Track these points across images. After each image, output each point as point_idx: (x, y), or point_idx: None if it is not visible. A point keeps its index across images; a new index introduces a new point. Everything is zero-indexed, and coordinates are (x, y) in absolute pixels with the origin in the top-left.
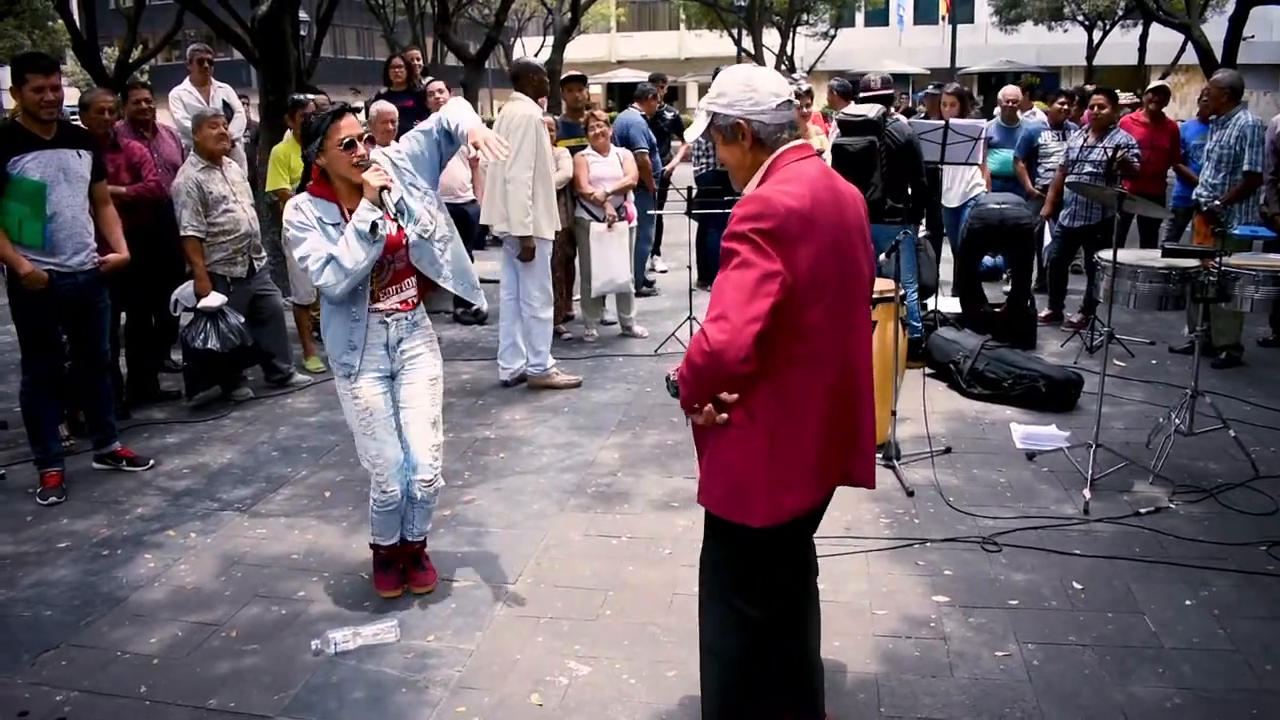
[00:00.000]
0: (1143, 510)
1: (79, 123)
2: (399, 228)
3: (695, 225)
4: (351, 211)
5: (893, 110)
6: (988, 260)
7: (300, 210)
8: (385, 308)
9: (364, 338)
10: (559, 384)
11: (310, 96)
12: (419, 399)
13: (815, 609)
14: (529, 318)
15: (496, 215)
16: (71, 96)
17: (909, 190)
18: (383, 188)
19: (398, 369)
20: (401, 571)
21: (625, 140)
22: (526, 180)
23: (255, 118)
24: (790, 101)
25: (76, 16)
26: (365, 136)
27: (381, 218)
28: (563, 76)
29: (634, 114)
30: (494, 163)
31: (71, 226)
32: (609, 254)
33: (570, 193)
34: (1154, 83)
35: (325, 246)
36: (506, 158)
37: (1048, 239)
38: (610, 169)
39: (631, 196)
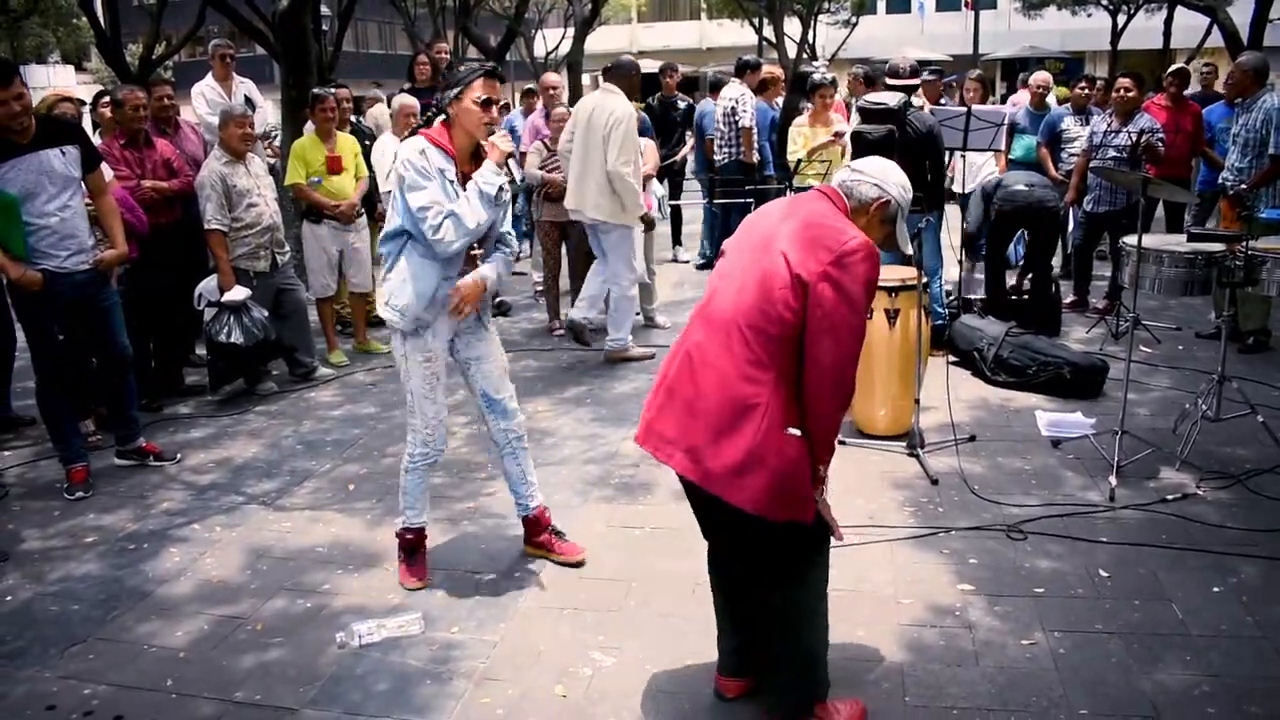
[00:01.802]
0: (1169, 497)
1: (90, 118)
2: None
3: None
4: (465, 175)
5: (915, 97)
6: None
7: (425, 155)
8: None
9: (445, 296)
10: (635, 356)
11: (331, 90)
12: (497, 351)
13: None
14: (617, 296)
15: (589, 204)
16: (86, 93)
17: (928, 178)
18: (509, 154)
19: (462, 329)
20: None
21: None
22: (629, 173)
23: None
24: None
25: (100, 13)
26: (502, 104)
27: (504, 184)
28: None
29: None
30: (583, 154)
31: (62, 229)
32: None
33: None
34: (1174, 65)
35: (446, 201)
36: None
37: (1071, 225)
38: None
39: (654, 188)
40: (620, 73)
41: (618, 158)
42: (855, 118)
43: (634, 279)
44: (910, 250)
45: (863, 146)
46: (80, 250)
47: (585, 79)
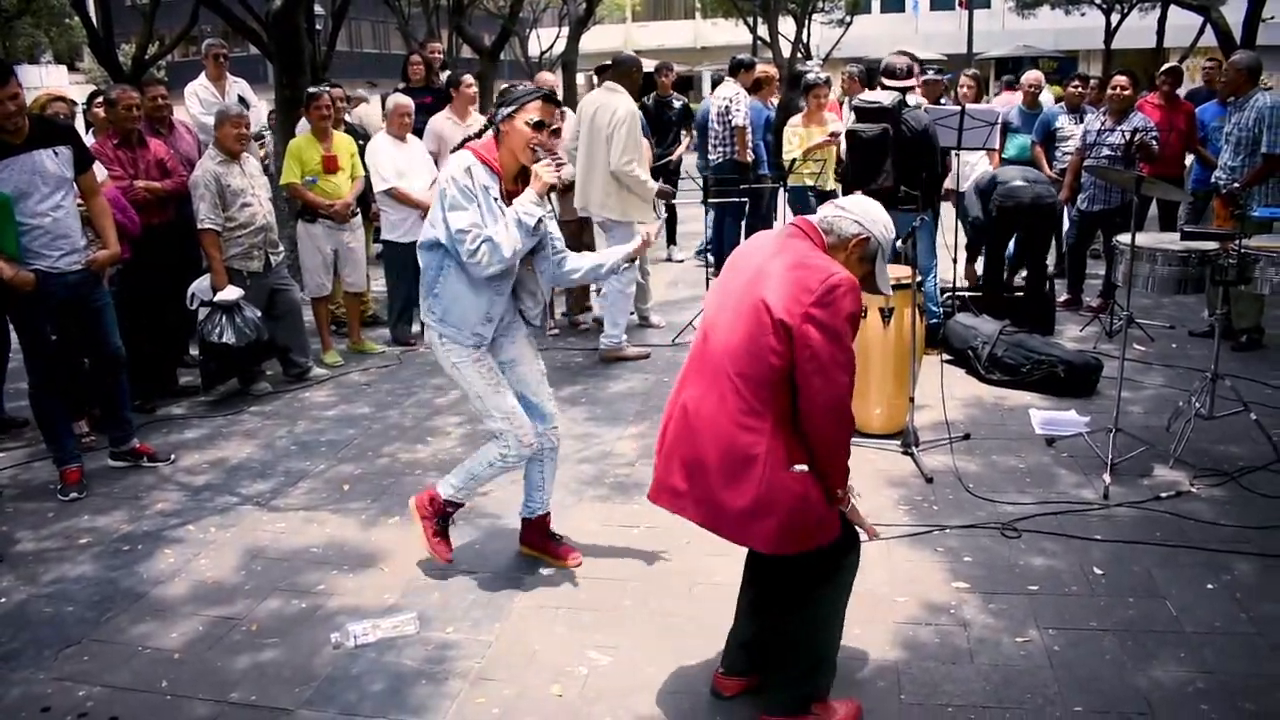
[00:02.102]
0: (1163, 494)
1: (84, 118)
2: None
3: (712, 214)
4: (510, 193)
5: (911, 96)
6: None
7: (470, 175)
8: None
9: (500, 311)
10: (629, 355)
11: (326, 89)
12: (529, 354)
13: None
14: (615, 290)
15: (595, 202)
16: (79, 93)
17: (923, 176)
18: (551, 186)
19: (497, 335)
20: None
21: None
22: (634, 169)
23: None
24: None
25: (93, 13)
26: (554, 129)
27: (548, 213)
28: (597, 66)
29: None
30: (588, 153)
31: (55, 229)
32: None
33: None
34: (1167, 64)
35: (486, 224)
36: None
37: (1066, 223)
38: None
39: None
40: (622, 70)
41: (620, 157)
42: (850, 116)
43: (631, 277)
44: (889, 292)
45: (857, 145)
46: (73, 251)
47: (580, 78)
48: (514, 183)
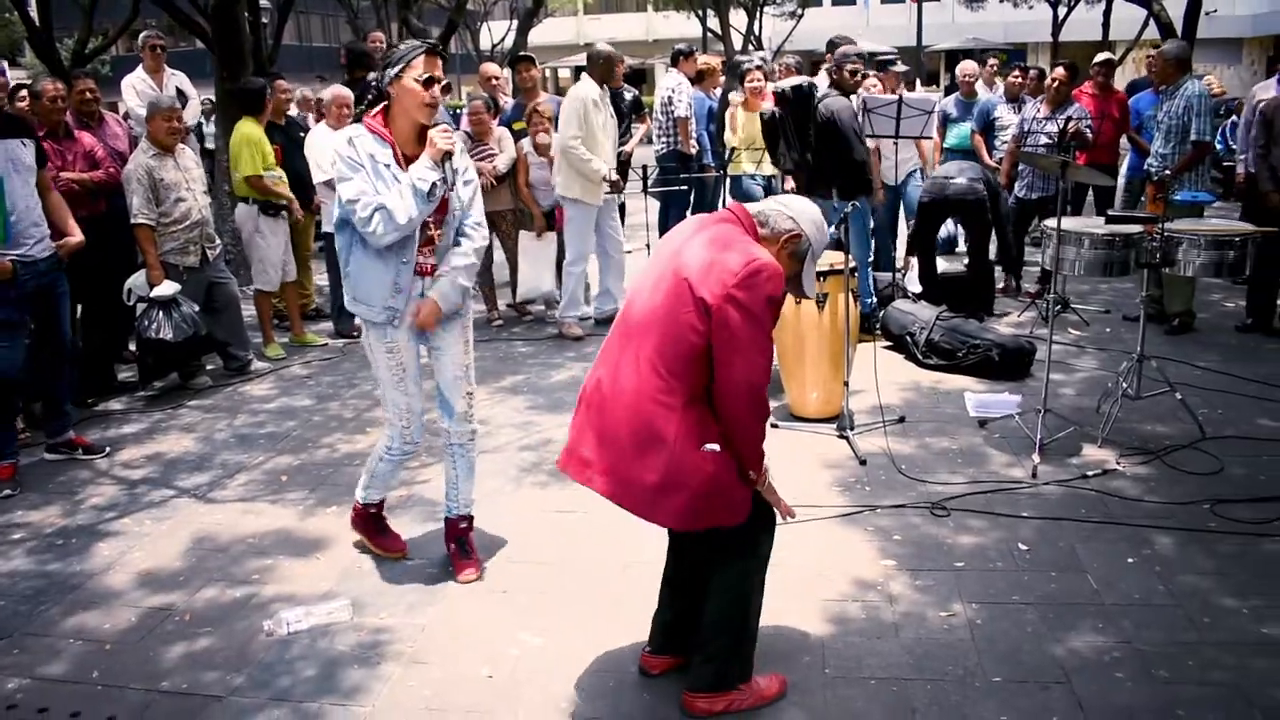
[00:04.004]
0: (1090, 473)
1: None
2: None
3: (657, 205)
4: (407, 157)
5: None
6: (942, 233)
7: (353, 145)
8: (421, 262)
9: (409, 281)
10: (568, 334)
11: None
12: (457, 347)
13: None
14: (565, 270)
15: (558, 182)
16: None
17: (844, 163)
18: (447, 153)
19: None
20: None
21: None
22: (575, 147)
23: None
24: None
25: (33, 8)
26: (446, 85)
27: (441, 179)
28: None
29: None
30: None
31: (27, 216)
32: (535, 262)
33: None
34: (1101, 55)
35: (376, 192)
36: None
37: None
38: (545, 172)
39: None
40: (590, 61)
41: (563, 133)
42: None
43: (582, 256)
44: (813, 295)
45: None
46: (42, 239)
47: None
48: (414, 145)
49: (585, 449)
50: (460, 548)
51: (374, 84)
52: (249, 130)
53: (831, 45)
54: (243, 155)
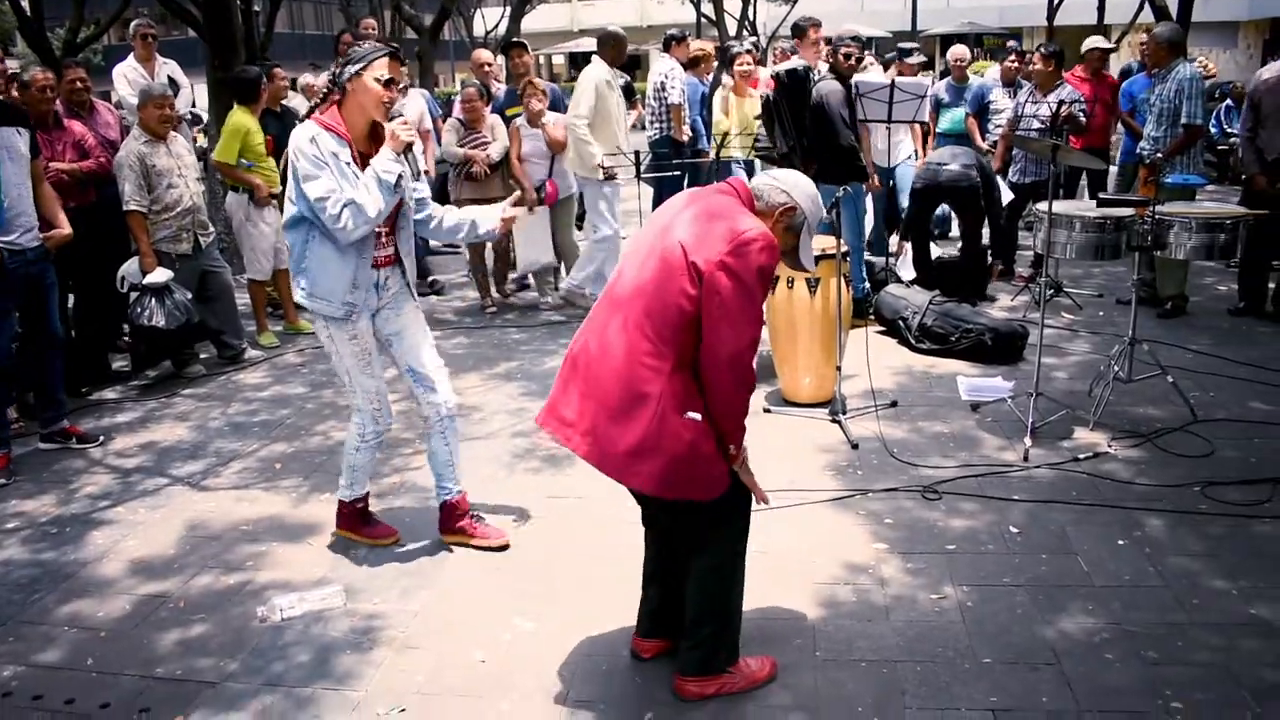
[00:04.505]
0: (1081, 456)
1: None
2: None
3: (650, 190)
4: (363, 154)
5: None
6: (937, 211)
7: (316, 143)
8: (378, 255)
9: (367, 276)
10: (579, 305)
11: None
12: (417, 325)
13: None
14: (588, 243)
15: (569, 159)
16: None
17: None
18: (409, 145)
19: (382, 305)
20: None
21: (555, 107)
22: (580, 126)
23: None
24: None
25: None
26: (402, 86)
27: (404, 172)
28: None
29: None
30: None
31: (19, 205)
32: (530, 237)
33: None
34: (1090, 42)
35: (344, 189)
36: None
37: (1008, 195)
38: (539, 144)
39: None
40: (600, 44)
41: (570, 112)
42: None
43: (608, 230)
44: (812, 268)
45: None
46: (30, 229)
47: (526, 58)
48: (366, 143)
49: (567, 408)
50: (475, 519)
51: (331, 79)
52: (238, 120)
53: (797, 29)
54: (221, 141)
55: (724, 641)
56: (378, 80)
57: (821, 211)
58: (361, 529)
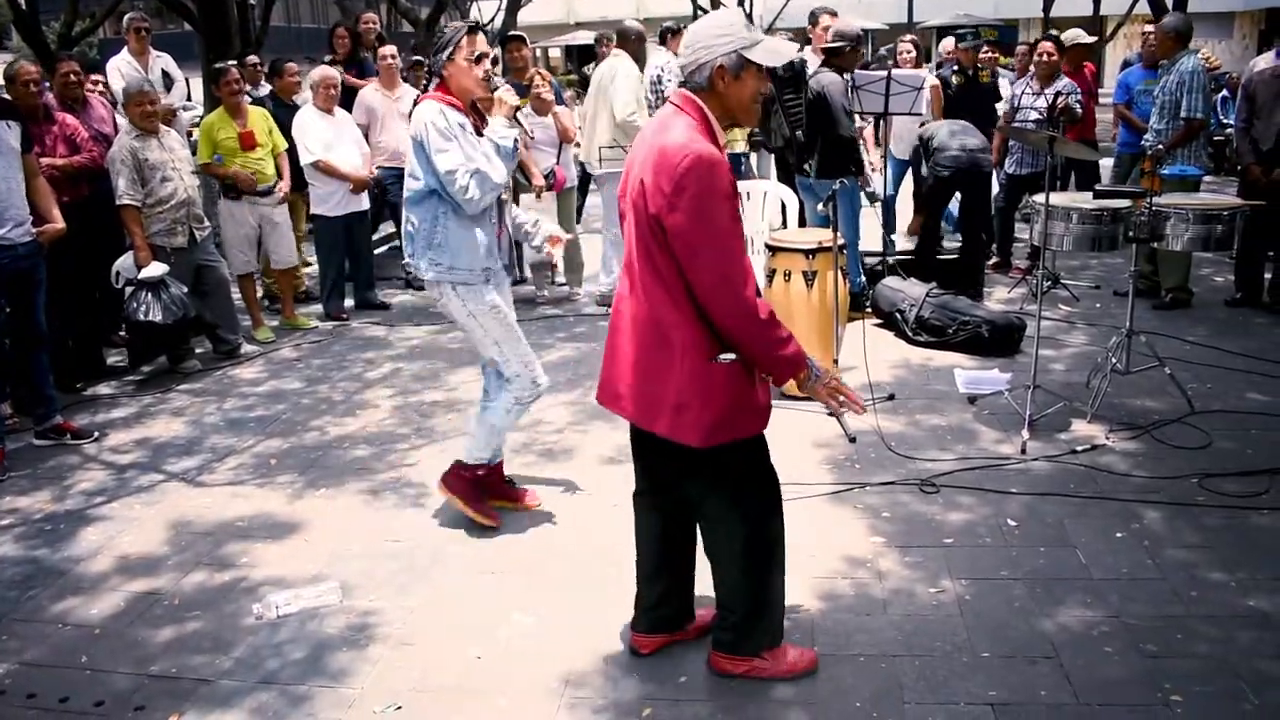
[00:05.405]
0: (1079, 448)
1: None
2: None
3: None
4: (475, 125)
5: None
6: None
7: (445, 116)
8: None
9: (495, 244)
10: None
11: (232, 64)
12: (510, 299)
13: None
14: (612, 239)
15: (594, 155)
16: None
17: (829, 140)
18: (517, 107)
19: (501, 282)
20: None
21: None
22: (636, 120)
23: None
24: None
25: None
26: (493, 58)
27: (517, 136)
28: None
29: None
30: (593, 113)
31: (8, 199)
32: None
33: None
34: (1070, 33)
35: (474, 158)
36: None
37: (996, 187)
38: (549, 132)
39: (573, 160)
40: (623, 38)
41: (624, 109)
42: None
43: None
44: (794, 55)
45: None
46: (20, 223)
47: (524, 51)
48: (471, 116)
49: (616, 381)
50: (512, 483)
51: (427, 68)
52: (206, 120)
53: (813, 18)
54: (199, 143)
55: (757, 628)
56: (469, 59)
57: (743, 31)
58: (472, 502)
